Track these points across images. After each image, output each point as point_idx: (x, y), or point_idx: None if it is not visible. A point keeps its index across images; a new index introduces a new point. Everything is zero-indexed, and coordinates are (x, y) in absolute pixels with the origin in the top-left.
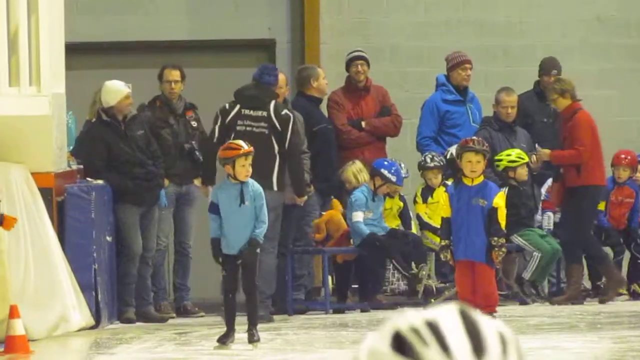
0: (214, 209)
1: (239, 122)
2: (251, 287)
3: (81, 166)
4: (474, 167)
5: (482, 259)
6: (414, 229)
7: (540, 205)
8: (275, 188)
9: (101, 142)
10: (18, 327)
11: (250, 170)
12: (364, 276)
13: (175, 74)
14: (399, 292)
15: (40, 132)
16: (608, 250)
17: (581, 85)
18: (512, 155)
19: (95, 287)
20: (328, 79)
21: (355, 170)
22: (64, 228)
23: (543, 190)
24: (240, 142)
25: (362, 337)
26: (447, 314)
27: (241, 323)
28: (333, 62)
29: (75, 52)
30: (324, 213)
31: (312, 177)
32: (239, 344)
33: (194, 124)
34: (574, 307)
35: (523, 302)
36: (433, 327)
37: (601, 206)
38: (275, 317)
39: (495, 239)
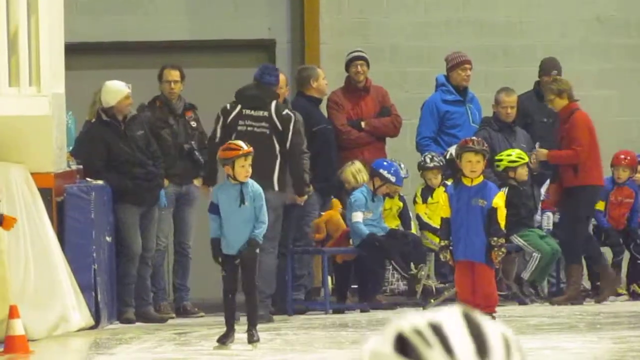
0: (214, 209)
1: (240, 122)
2: (251, 287)
3: (81, 166)
4: (473, 167)
5: (482, 259)
6: (414, 229)
7: (540, 205)
8: (276, 188)
9: (101, 142)
10: (18, 327)
11: (250, 170)
12: (363, 276)
13: (174, 74)
14: (399, 293)
15: (40, 132)
16: (608, 250)
17: (581, 85)
18: (513, 155)
19: (95, 287)
20: (328, 79)
21: (354, 171)
22: (64, 228)
23: (542, 190)
24: (240, 143)
25: (361, 337)
26: (450, 316)
27: (241, 323)
28: (333, 62)
29: (75, 52)
30: (323, 213)
31: (312, 177)
32: (238, 344)
33: (194, 124)
34: (574, 307)
35: (522, 303)
36: (436, 329)
37: (601, 206)
38: (275, 317)
39: (495, 239)
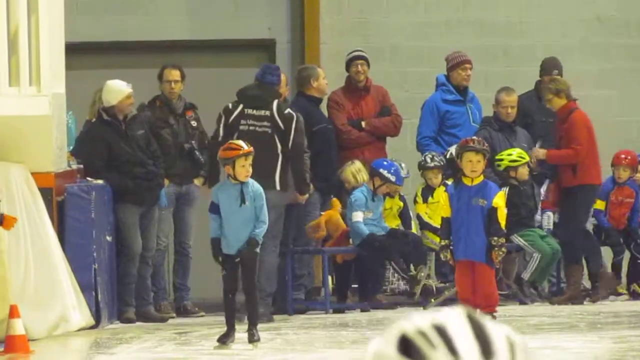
0: (215, 208)
1: (242, 121)
2: (251, 287)
3: (81, 166)
4: (474, 166)
5: (482, 259)
6: (414, 228)
7: (540, 205)
8: (277, 187)
9: (101, 142)
10: (18, 327)
11: (251, 170)
12: (363, 276)
13: (175, 74)
14: (399, 292)
15: (40, 132)
16: (608, 250)
17: (581, 85)
18: (514, 154)
19: (95, 287)
20: (328, 79)
21: (354, 170)
22: (64, 228)
23: (542, 190)
24: (240, 143)
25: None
26: (454, 318)
27: (241, 322)
28: (333, 62)
29: (75, 52)
30: (322, 213)
31: (312, 177)
32: (239, 344)
33: (194, 123)
34: (574, 307)
35: (523, 302)
36: (440, 330)
37: (601, 206)
38: (275, 316)
39: (495, 238)
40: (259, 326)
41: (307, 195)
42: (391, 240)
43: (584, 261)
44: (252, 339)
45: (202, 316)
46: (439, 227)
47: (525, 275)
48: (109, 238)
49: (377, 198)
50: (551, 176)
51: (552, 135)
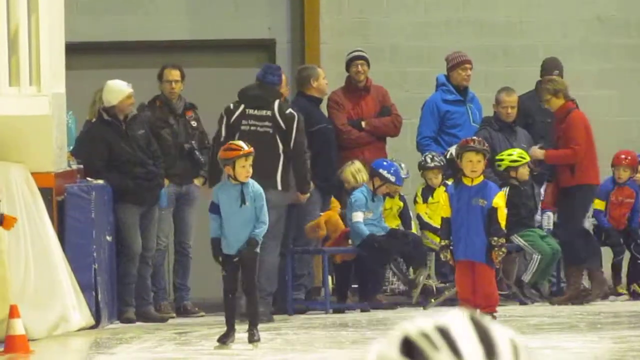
0: (215, 208)
1: (244, 121)
2: (251, 287)
3: (81, 166)
4: (474, 166)
5: (482, 259)
6: (414, 229)
7: (540, 205)
8: (279, 187)
9: (102, 142)
10: (18, 327)
11: (251, 170)
12: (363, 276)
13: (175, 74)
14: (399, 292)
15: (40, 132)
16: (608, 250)
17: (581, 85)
18: (514, 154)
19: (95, 287)
20: (328, 79)
21: (354, 170)
22: (64, 228)
23: (542, 190)
24: (240, 143)
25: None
26: (457, 320)
27: (242, 323)
28: (333, 62)
29: (76, 52)
30: (322, 214)
31: (312, 177)
32: (239, 344)
33: (194, 123)
34: (574, 307)
35: (523, 302)
36: (443, 332)
37: (601, 206)
38: (275, 316)
39: (495, 239)
40: (259, 326)
41: (308, 195)
42: (391, 241)
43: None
44: (252, 339)
45: (202, 316)
46: (439, 227)
47: (526, 278)
48: (109, 238)
49: (376, 198)
50: (549, 176)
51: (551, 136)
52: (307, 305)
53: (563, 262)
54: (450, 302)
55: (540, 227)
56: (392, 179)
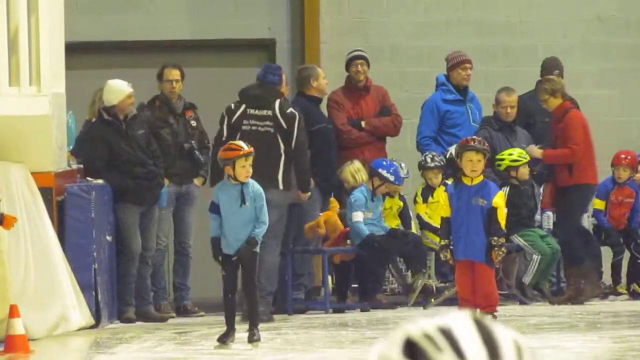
0: (215, 208)
1: (245, 121)
2: (251, 287)
3: (81, 166)
4: (474, 166)
5: (482, 259)
6: (414, 228)
7: (540, 204)
8: (281, 187)
9: (102, 142)
10: (18, 327)
11: (251, 170)
12: (363, 276)
13: (175, 74)
14: (399, 292)
15: (40, 131)
16: (608, 250)
17: (581, 85)
18: (514, 154)
19: (95, 286)
20: (328, 79)
21: (353, 170)
22: (64, 228)
23: (542, 189)
24: (241, 143)
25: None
26: (460, 321)
27: (241, 322)
28: (333, 62)
29: (76, 51)
30: (321, 214)
31: (312, 175)
32: (239, 344)
33: (194, 123)
34: (574, 306)
35: (523, 302)
36: (446, 333)
37: (601, 206)
38: (275, 316)
39: (495, 238)
40: (260, 326)
41: (309, 194)
42: (391, 240)
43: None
44: (252, 338)
45: (202, 316)
46: (439, 227)
47: (527, 279)
48: (109, 238)
49: (376, 198)
50: (547, 176)
51: (549, 135)
52: (307, 305)
53: (563, 261)
54: (450, 301)
55: (540, 226)
56: (391, 178)
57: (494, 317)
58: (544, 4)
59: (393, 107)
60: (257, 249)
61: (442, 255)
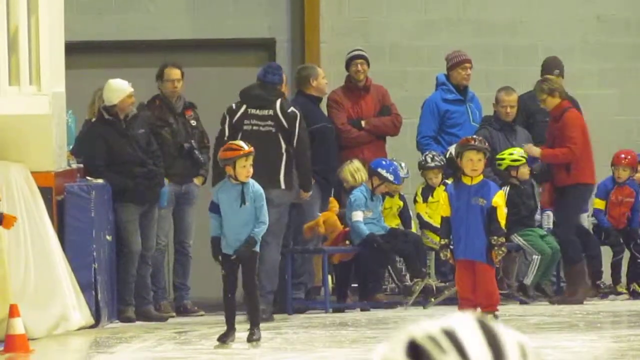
0: (214, 208)
1: (246, 121)
2: (251, 286)
3: (81, 165)
4: (475, 165)
5: (482, 259)
6: (414, 228)
7: (540, 204)
8: (282, 186)
9: (102, 141)
10: (18, 326)
11: (251, 170)
12: (363, 275)
13: (177, 73)
14: (399, 292)
15: (40, 131)
16: (608, 249)
17: (581, 85)
18: (515, 154)
19: (95, 286)
20: (328, 79)
21: (353, 170)
22: (64, 227)
23: (541, 189)
24: (241, 143)
25: (361, 336)
26: (464, 323)
27: (241, 322)
28: (333, 62)
29: (76, 51)
30: (320, 214)
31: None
32: (239, 343)
33: (194, 123)
34: (574, 306)
35: (523, 302)
36: (451, 335)
37: (601, 205)
38: (275, 316)
39: (495, 238)
40: (260, 325)
41: (311, 193)
42: (391, 240)
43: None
44: (252, 337)
45: (201, 315)
46: (439, 226)
47: (528, 280)
48: (108, 237)
49: (375, 197)
50: (545, 175)
51: (547, 135)
52: (306, 304)
53: (562, 261)
54: (450, 301)
55: (540, 226)
56: (391, 178)
57: (495, 316)
58: (544, 4)
59: (393, 107)
60: (257, 248)
61: (442, 255)
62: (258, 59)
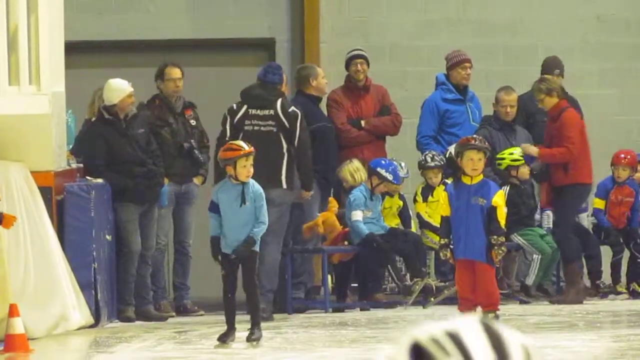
0: (214, 207)
1: (247, 121)
2: (251, 286)
3: (81, 165)
4: (475, 165)
5: (482, 258)
6: (414, 228)
7: (539, 204)
8: (284, 186)
9: (102, 141)
10: (18, 326)
11: (252, 170)
12: (363, 275)
13: (178, 72)
14: (398, 292)
15: (40, 130)
16: (607, 249)
17: (581, 85)
18: (515, 153)
19: (95, 285)
20: (328, 78)
21: (352, 169)
22: (64, 227)
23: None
24: (241, 143)
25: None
26: (468, 325)
27: (242, 321)
28: (333, 62)
29: (75, 50)
30: (319, 214)
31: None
32: (239, 343)
33: (193, 122)
34: (574, 306)
35: (523, 301)
36: (454, 338)
37: (601, 205)
38: (274, 315)
39: (495, 237)
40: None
41: (312, 192)
42: (391, 240)
43: (584, 261)
44: (252, 337)
45: (201, 315)
46: (438, 226)
47: (529, 281)
48: (108, 237)
49: (375, 197)
50: (543, 175)
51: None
52: (306, 304)
53: (561, 261)
54: (450, 300)
55: (540, 226)
56: (390, 177)
57: (496, 316)
58: (544, 4)
59: (393, 107)
60: (257, 248)
61: (441, 255)
62: (258, 59)
